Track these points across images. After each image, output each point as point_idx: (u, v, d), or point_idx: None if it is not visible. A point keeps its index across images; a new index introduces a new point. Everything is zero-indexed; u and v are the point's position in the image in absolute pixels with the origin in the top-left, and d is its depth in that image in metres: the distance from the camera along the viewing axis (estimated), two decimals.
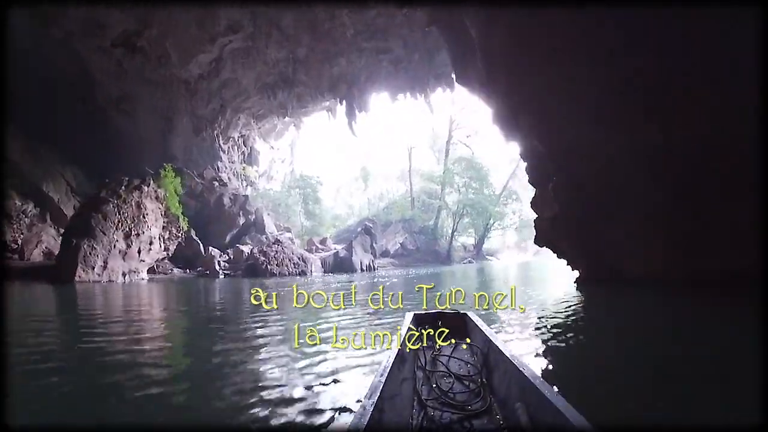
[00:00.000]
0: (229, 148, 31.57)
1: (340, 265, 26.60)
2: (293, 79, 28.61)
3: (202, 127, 28.21)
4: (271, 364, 3.53)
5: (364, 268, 26.68)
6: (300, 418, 2.22)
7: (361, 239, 27.78)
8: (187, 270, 24.26)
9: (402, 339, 2.45)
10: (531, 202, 12.45)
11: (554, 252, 12.30)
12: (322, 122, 37.33)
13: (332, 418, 2.20)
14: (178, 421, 2.33)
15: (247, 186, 33.85)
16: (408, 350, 2.44)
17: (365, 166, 52.11)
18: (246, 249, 25.39)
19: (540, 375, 1.77)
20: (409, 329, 2.81)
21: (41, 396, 2.73)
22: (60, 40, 21.42)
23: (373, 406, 1.47)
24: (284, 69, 27.59)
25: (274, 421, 2.22)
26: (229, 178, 31.28)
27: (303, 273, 24.11)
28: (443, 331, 3.05)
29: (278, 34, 24.36)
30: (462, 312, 3.30)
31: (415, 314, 3.27)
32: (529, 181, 12.42)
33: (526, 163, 12.27)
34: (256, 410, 2.41)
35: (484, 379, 2.19)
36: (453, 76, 18.59)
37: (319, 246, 32.63)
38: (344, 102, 32.72)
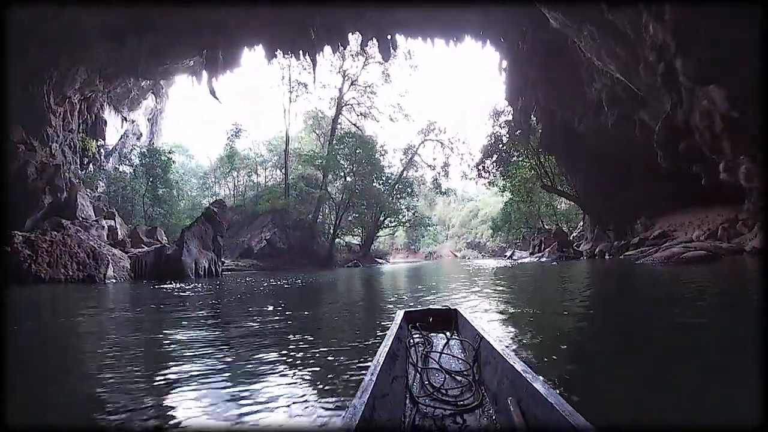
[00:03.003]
0: (65, 112, 24.72)
1: (164, 267, 18.51)
2: (147, 23, 21.97)
3: (30, 79, 22.07)
4: None
5: (202, 272, 18.74)
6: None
7: (199, 230, 19.71)
8: None
9: (393, 336, 2.45)
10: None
11: None
12: (189, 92, 29.32)
13: (323, 417, 2.04)
14: None
15: (88, 163, 28.27)
16: (399, 347, 2.45)
17: (232, 144, 42.84)
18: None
19: (532, 369, 1.71)
20: (400, 326, 2.79)
21: None
22: None
23: (364, 404, 1.46)
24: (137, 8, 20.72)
25: None
26: (63, 150, 24.47)
27: (91, 278, 15.84)
28: (434, 327, 3.08)
29: None
30: (453, 307, 3.29)
31: (405, 311, 3.23)
32: None
33: None
34: None
35: (475, 374, 2.20)
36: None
37: (145, 238, 23.88)
38: (205, 53, 25.24)
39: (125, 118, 33.16)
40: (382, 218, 38.96)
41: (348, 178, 35.82)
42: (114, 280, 16.49)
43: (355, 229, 40.13)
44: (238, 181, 46.00)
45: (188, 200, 41.10)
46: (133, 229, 25.47)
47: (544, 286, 9.24)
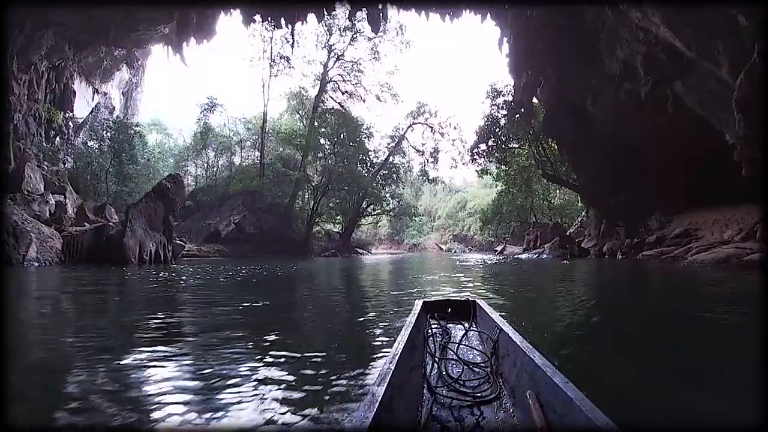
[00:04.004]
0: (31, 80, 22.74)
1: (103, 249, 16.02)
2: None
3: None
4: None
5: (147, 257, 16.18)
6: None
7: (148, 208, 17.05)
8: None
9: (411, 326, 2.40)
10: None
11: None
12: (171, 69, 27.75)
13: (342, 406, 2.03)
14: None
15: (55, 136, 26.58)
16: (417, 337, 2.44)
17: (206, 120, 39.94)
18: None
19: (552, 363, 1.67)
20: (419, 315, 2.76)
21: None
22: None
23: (382, 393, 1.44)
24: None
25: None
26: (26, 121, 22.76)
27: (7, 259, 13.35)
28: (452, 318, 3.09)
29: None
30: (471, 299, 3.26)
31: (424, 301, 3.20)
32: None
33: None
34: None
35: (494, 366, 2.19)
36: None
37: (91, 216, 21.37)
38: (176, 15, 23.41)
39: (97, 90, 30.75)
40: (364, 205, 36.65)
41: (329, 160, 33.23)
42: (36, 263, 13.88)
43: (336, 217, 37.64)
44: (212, 161, 43.46)
45: (160, 179, 38.63)
46: (80, 205, 22.75)
47: (590, 302, 6.70)
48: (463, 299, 3.28)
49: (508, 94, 26.43)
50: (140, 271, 11.60)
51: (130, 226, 16.21)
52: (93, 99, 30.63)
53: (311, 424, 1.87)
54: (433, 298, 3.38)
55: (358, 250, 36.03)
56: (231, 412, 1.96)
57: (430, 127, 38.06)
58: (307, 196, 36.47)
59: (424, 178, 40.37)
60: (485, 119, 27.77)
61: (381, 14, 24.26)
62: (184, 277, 10.00)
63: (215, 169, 42.38)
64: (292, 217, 33.27)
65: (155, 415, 1.95)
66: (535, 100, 23.17)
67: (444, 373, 2.10)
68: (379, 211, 39.14)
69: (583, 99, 17.91)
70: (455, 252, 49.45)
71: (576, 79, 17.16)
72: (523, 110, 22.61)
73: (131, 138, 32.37)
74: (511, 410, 1.75)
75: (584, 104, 18.19)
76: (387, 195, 38.90)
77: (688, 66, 10.56)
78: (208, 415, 1.93)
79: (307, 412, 1.95)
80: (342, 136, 33.03)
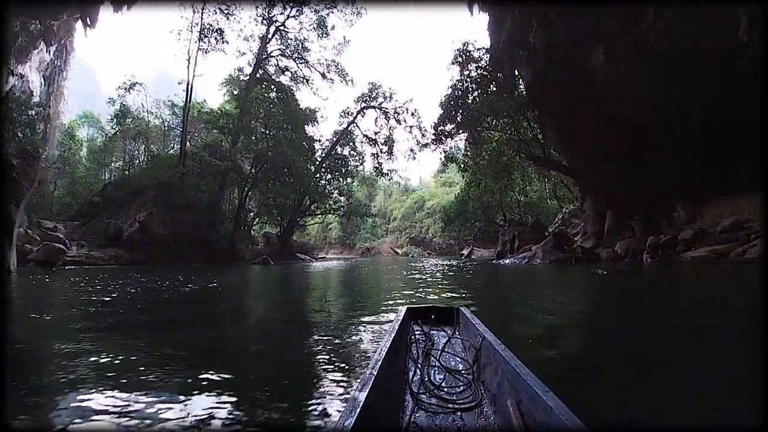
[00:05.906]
0: None
1: None
2: None
3: None
4: None
5: None
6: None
7: None
8: None
9: (395, 331, 2.38)
10: None
11: None
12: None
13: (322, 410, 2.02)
14: None
15: None
16: (401, 342, 2.42)
17: (123, 101, 34.44)
18: None
19: (533, 372, 1.66)
20: (402, 321, 2.75)
21: None
22: None
23: (364, 398, 1.43)
24: None
25: None
26: None
27: None
28: (436, 324, 3.06)
29: None
30: (455, 306, 3.22)
31: (408, 308, 3.18)
32: None
33: None
34: None
35: (476, 374, 2.17)
36: None
37: None
38: None
39: (11, 72, 26.89)
40: (307, 203, 31.75)
41: (261, 144, 28.04)
42: None
43: (278, 217, 32.37)
44: (134, 151, 38.21)
45: (79, 176, 35.85)
46: None
47: None
48: (447, 306, 3.25)
49: (481, 59, 22.14)
50: None
51: None
52: (6, 82, 26.30)
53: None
54: (417, 305, 3.35)
55: (299, 255, 30.84)
56: None
57: (385, 112, 33.48)
58: (236, 189, 31.24)
59: (378, 172, 35.56)
60: (452, 87, 23.16)
61: None
62: None
63: (137, 161, 37.23)
64: (218, 216, 27.85)
65: None
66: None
67: (426, 379, 2.07)
68: (324, 209, 34.37)
69: (587, 51, 13.71)
70: (413, 256, 45.05)
71: (580, 22, 12.95)
72: (501, 76, 18.21)
73: (33, 121, 28.11)
74: (491, 418, 1.74)
75: (586, 60, 14.03)
76: (334, 191, 34.19)
77: None
78: None
79: None
80: (275, 117, 28.06)
